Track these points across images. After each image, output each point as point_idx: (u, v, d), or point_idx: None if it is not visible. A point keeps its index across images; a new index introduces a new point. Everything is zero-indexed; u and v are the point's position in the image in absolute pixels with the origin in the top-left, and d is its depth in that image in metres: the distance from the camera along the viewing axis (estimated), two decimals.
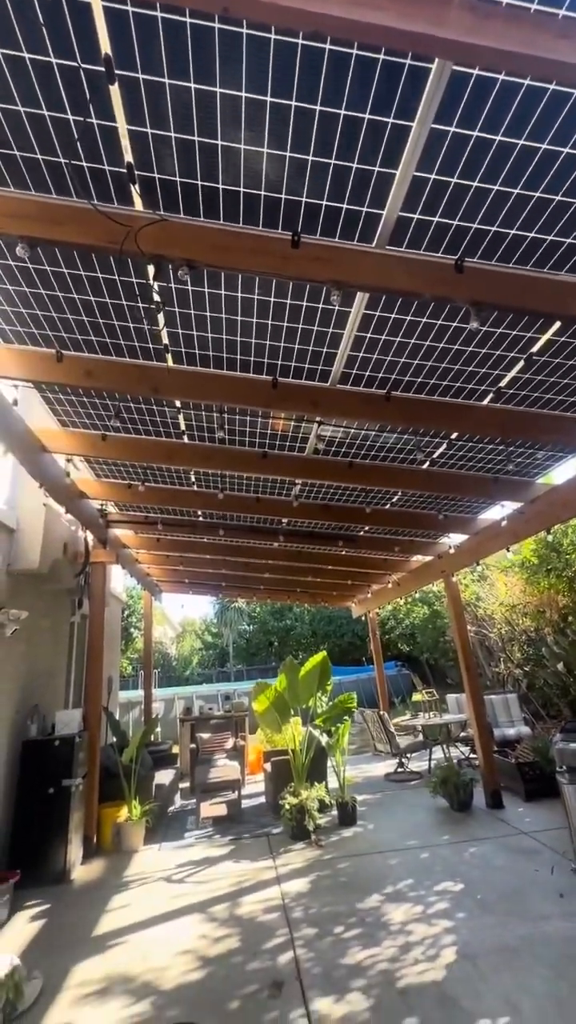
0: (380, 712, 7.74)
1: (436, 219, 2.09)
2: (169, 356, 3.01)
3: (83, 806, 4.97)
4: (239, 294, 2.51)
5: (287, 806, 5.07)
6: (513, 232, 2.14)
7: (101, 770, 5.47)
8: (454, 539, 6.28)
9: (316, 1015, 2.49)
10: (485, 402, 3.37)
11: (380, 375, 3.12)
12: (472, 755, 7.25)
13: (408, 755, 7.58)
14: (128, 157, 1.90)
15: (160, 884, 4.27)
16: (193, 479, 4.92)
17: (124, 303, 2.60)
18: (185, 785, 7.63)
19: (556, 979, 2.60)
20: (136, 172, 1.94)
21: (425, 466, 4.42)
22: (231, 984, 2.80)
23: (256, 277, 2.37)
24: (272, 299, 2.54)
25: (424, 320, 2.67)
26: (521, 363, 2.99)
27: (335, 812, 5.53)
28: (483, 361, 2.98)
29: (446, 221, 2.09)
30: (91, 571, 5.84)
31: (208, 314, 2.65)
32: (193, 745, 7.55)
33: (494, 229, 2.13)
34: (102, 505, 5.52)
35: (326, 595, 10.19)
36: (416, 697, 14.13)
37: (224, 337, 2.82)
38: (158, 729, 10.31)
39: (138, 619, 19.33)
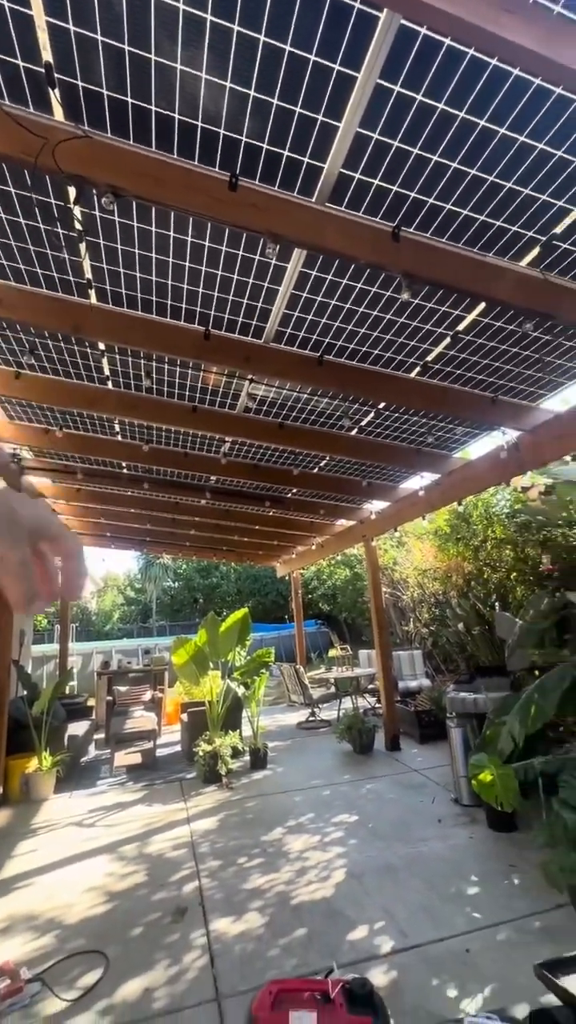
0: (296, 666, 8.13)
1: (376, 181, 2.07)
2: (93, 293, 2.79)
3: None
4: (171, 233, 2.36)
5: (201, 753, 5.27)
6: (448, 207, 2.17)
7: (10, 721, 5.33)
8: (376, 506, 6.56)
9: (215, 934, 2.71)
10: (412, 374, 3.49)
11: (314, 337, 3.11)
12: (377, 705, 7.88)
13: (320, 705, 8.08)
14: (47, 56, 1.68)
15: (70, 829, 4.32)
16: (117, 429, 4.69)
17: (41, 226, 2.35)
18: (100, 736, 7.65)
19: (427, 890, 3.00)
20: (56, 75, 1.73)
21: (353, 433, 4.53)
22: (135, 914, 2.95)
23: (190, 217, 2.24)
24: (207, 243, 2.42)
25: (359, 286, 2.67)
26: (448, 339, 3.10)
27: (247, 758, 5.83)
28: (413, 334, 3.05)
29: (386, 185, 2.08)
30: None
31: (137, 251, 2.48)
32: (109, 698, 7.54)
33: (431, 200, 2.15)
34: (15, 449, 5.14)
35: (252, 554, 10.33)
36: (332, 653, 14.99)
37: (154, 279, 2.66)
38: (73, 682, 10.16)
39: None
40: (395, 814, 4.16)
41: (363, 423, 4.36)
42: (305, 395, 3.89)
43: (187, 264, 2.54)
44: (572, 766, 2.90)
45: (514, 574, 6.37)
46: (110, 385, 3.84)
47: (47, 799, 5.10)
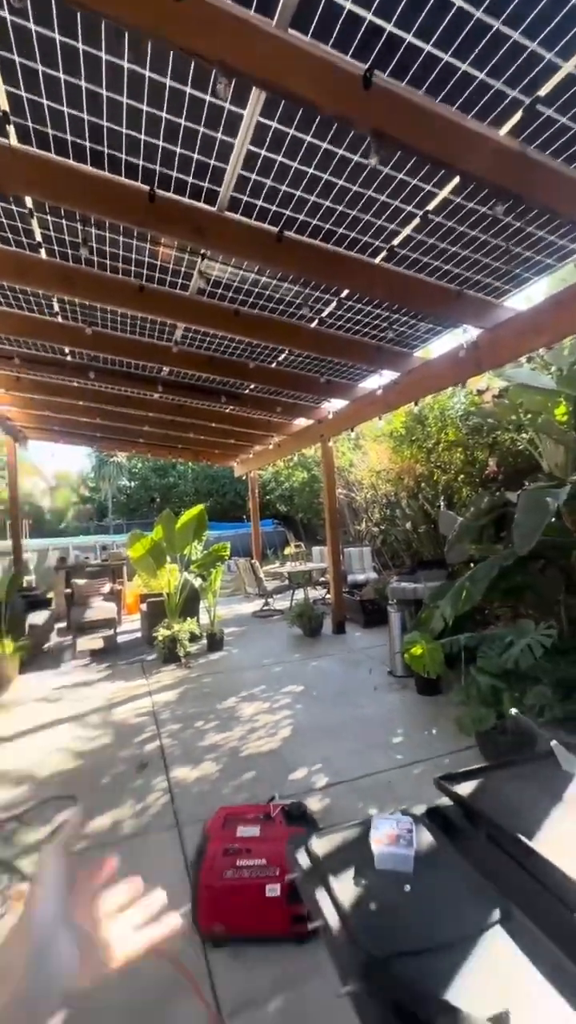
0: (252, 561, 8.49)
1: (348, 5, 1.76)
2: (11, 130, 2.35)
3: None
4: (103, 55, 1.97)
5: (160, 637, 5.61)
6: (428, 48, 1.90)
7: None
8: (334, 405, 6.49)
9: (175, 780, 3.10)
10: (378, 260, 3.27)
11: (273, 208, 2.81)
12: (327, 595, 8.48)
13: (273, 596, 8.60)
14: None
15: (36, 704, 4.63)
16: (56, 308, 4.25)
17: None
18: (62, 625, 7.93)
19: (357, 740, 3.49)
20: None
21: (313, 324, 4.32)
22: (103, 768, 3.31)
23: (126, 33, 1.86)
24: (147, 73, 2.04)
25: (325, 145, 2.38)
26: (416, 220, 2.89)
27: (204, 642, 6.27)
28: (380, 211, 2.82)
29: (358, 11, 1.77)
30: None
31: (63, 76, 2.06)
32: (69, 590, 7.71)
33: (409, 38, 1.86)
34: None
35: (208, 453, 10.20)
36: (287, 551, 15.67)
37: (86, 117, 2.26)
38: (31, 577, 10.24)
39: (0, 465, 17.67)
40: (337, 685, 4.69)
41: (324, 314, 4.15)
42: (263, 278, 3.62)
43: (125, 100, 2.16)
44: (490, 641, 3.31)
45: (461, 476, 6.65)
46: (43, 253, 3.41)
47: (12, 680, 5.38)
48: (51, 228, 3.13)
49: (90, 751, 3.58)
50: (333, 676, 4.95)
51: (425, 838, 1.07)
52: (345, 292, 3.79)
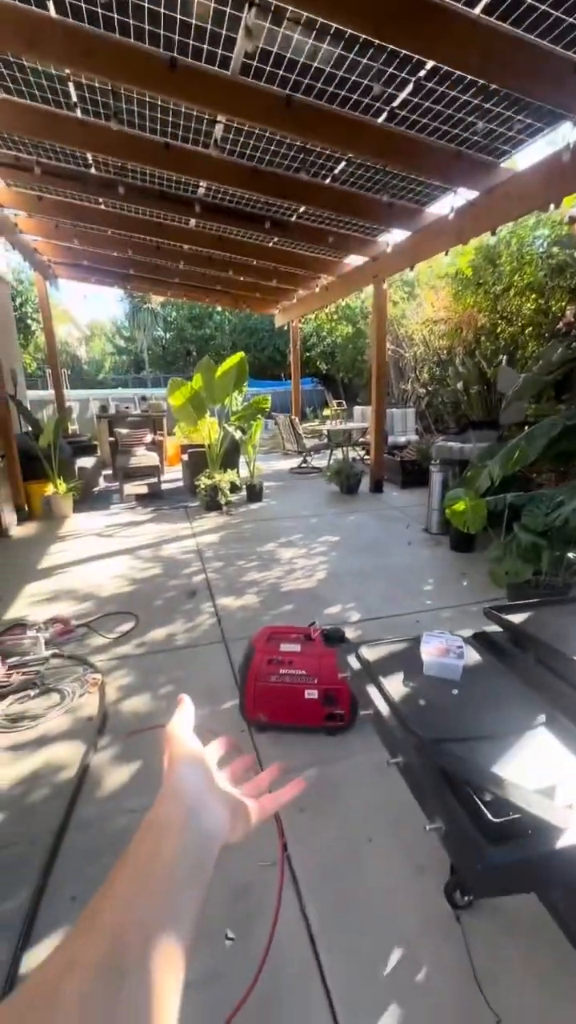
0: (292, 416, 8.31)
1: None
2: None
3: (8, 481, 5.29)
4: None
5: (202, 485, 5.79)
6: None
7: (21, 453, 5.66)
8: (394, 236, 5.64)
9: (221, 606, 3.41)
10: (477, 9, 2.49)
11: None
12: (366, 457, 8.39)
13: (312, 454, 8.59)
14: None
15: (92, 538, 5.04)
16: (75, 98, 3.58)
17: None
18: (108, 472, 8.29)
19: (389, 585, 3.69)
20: None
21: (382, 118, 3.52)
22: (156, 593, 3.66)
23: None
24: None
25: None
26: None
27: (244, 493, 6.46)
28: None
29: None
30: None
31: None
32: (112, 439, 7.88)
33: None
34: None
35: (248, 298, 9.38)
36: (327, 412, 15.26)
37: None
38: (75, 427, 10.47)
39: (34, 309, 17.07)
40: (371, 537, 4.84)
41: (396, 102, 3.34)
42: (324, 47, 2.85)
43: None
44: (538, 500, 3.22)
45: (529, 329, 5.95)
46: (52, 9, 2.75)
47: (68, 517, 5.80)
48: None
49: (143, 579, 3.94)
50: (368, 529, 5.09)
51: (472, 655, 1.11)
52: (427, 68, 2.98)
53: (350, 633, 2.94)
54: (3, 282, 8.17)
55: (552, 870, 0.65)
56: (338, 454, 8.08)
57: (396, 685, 1.00)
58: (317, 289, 8.03)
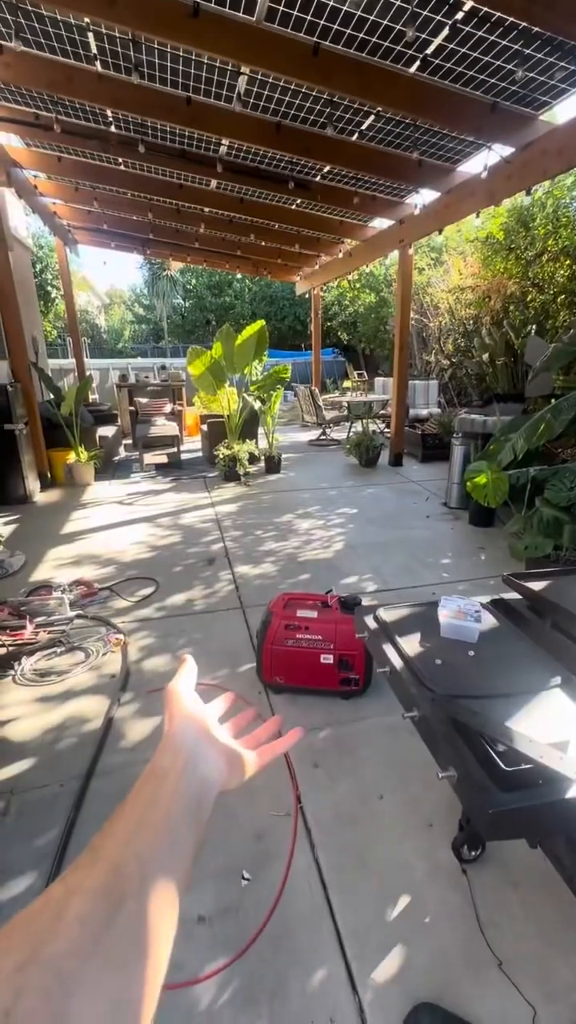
0: (311, 387, 8.21)
1: None
2: None
3: (31, 449, 5.38)
4: None
5: (221, 456, 5.80)
6: None
7: (43, 420, 5.73)
8: (423, 197, 5.41)
9: (239, 573, 3.47)
10: None
11: None
12: (386, 430, 8.28)
13: (331, 426, 8.50)
14: None
15: (113, 506, 5.13)
16: (94, 48, 3.46)
17: None
18: (128, 441, 8.36)
19: (407, 557, 3.69)
20: None
21: (414, 68, 3.33)
22: (175, 559, 3.74)
23: None
24: None
25: None
26: None
27: (263, 464, 6.46)
28: None
29: None
30: None
31: None
32: (132, 408, 7.91)
33: None
34: None
35: (270, 264, 9.16)
36: (347, 383, 15.00)
37: None
38: (96, 396, 10.52)
39: (54, 277, 16.98)
40: (389, 509, 4.83)
41: (430, 50, 3.15)
42: None
43: None
44: (562, 475, 3.16)
45: (561, 297, 5.71)
46: None
47: (89, 484, 5.90)
48: None
49: (163, 546, 4.02)
50: (387, 502, 5.07)
51: (489, 619, 1.12)
52: (466, 9, 2.80)
53: (366, 603, 2.97)
54: (24, 247, 8.10)
55: (560, 817, 0.68)
56: (358, 426, 7.99)
57: (413, 645, 1.02)
58: (340, 255, 7.80)
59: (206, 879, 1.46)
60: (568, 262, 5.44)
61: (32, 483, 5.27)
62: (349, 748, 1.95)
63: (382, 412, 8.87)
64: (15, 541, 4.08)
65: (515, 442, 3.57)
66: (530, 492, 3.38)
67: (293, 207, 6.24)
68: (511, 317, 6.72)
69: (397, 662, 0.97)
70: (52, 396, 6.39)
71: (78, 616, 2.89)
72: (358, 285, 15.54)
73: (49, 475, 5.81)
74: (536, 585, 1.20)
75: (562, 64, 3.16)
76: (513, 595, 1.28)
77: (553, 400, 4.48)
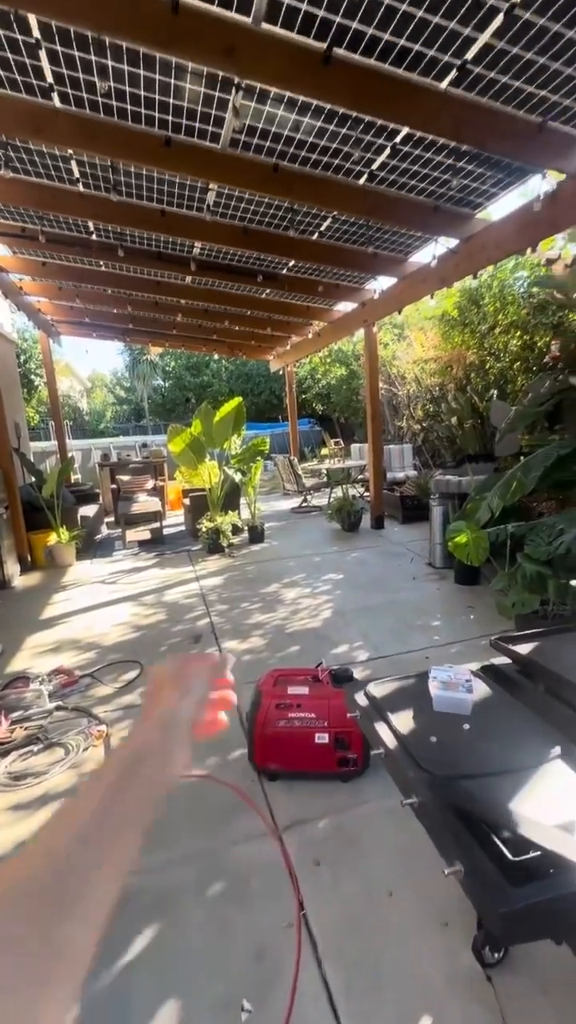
0: (290, 457, 8.44)
1: None
2: None
3: (11, 532, 5.33)
4: None
5: (204, 528, 5.81)
6: None
7: (24, 504, 5.72)
8: (381, 283, 5.92)
9: (226, 650, 3.36)
10: (444, 84, 2.72)
11: (320, 13, 2.30)
12: (366, 493, 8.45)
13: (312, 492, 8.66)
14: None
15: (95, 586, 5.02)
16: (76, 173, 3.86)
17: None
18: (110, 519, 8.35)
19: (396, 622, 3.64)
20: None
21: (362, 181, 3.78)
22: (160, 639, 3.62)
23: None
24: None
25: None
26: (499, 19, 2.32)
27: (246, 534, 6.47)
28: (453, 7, 2.27)
29: None
30: None
31: None
32: (114, 486, 7.99)
33: None
34: None
35: (244, 345, 9.74)
36: (324, 451, 15.49)
37: None
38: (77, 475, 10.63)
39: (37, 366, 17.68)
40: (375, 573, 4.82)
41: (375, 165, 3.59)
42: (306, 120, 3.10)
43: None
44: (539, 529, 3.23)
45: (517, 364, 6.14)
46: (57, 100, 3.01)
47: (71, 565, 5.80)
48: (63, 63, 2.71)
49: (147, 625, 3.90)
50: (372, 566, 5.07)
51: (481, 688, 1.09)
52: (402, 135, 3.23)
53: (358, 673, 2.87)
54: (8, 341, 8.50)
55: None
56: (338, 492, 8.15)
57: (406, 722, 0.98)
58: (310, 335, 8.35)
59: (203, 1012, 1.28)
60: (519, 333, 5.92)
61: (11, 567, 5.17)
62: (352, 838, 1.81)
63: (360, 477, 9.11)
64: None
65: (490, 500, 3.67)
66: (511, 548, 3.43)
67: (263, 296, 6.74)
68: (473, 383, 7.16)
69: (391, 742, 0.94)
70: (34, 479, 6.43)
71: (58, 708, 2.73)
72: (329, 360, 16.50)
73: (29, 558, 5.71)
74: (524, 648, 1.19)
75: (490, 174, 3.62)
76: (503, 659, 1.26)
77: (522, 458, 4.69)
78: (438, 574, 4.67)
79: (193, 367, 25.84)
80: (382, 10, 2.29)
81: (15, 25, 2.49)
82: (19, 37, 2.57)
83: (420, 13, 2.31)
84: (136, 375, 27.16)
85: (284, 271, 5.83)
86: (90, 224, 4.72)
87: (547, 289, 4.86)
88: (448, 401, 8.22)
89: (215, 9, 2.30)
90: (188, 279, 6.12)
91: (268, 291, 6.47)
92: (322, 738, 2.01)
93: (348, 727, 2.00)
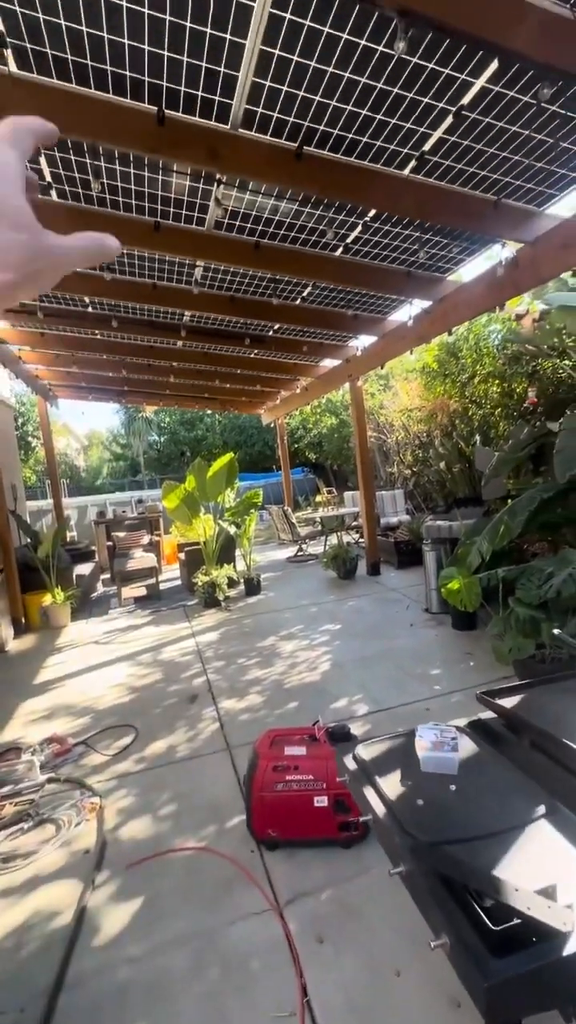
0: (284, 507, 8.54)
1: None
2: (9, 55, 2.21)
3: (6, 595, 5.31)
4: None
5: (200, 583, 5.80)
6: None
7: (20, 565, 5.73)
8: (362, 341, 6.23)
9: (223, 710, 3.29)
10: (406, 171, 3.01)
11: (291, 119, 2.59)
12: (360, 540, 8.50)
13: (307, 541, 8.70)
14: None
15: (90, 647, 4.95)
16: None
17: None
18: (106, 576, 8.31)
19: (395, 671, 3.60)
20: None
21: (338, 253, 4.08)
22: (156, 700, 3.55)
23: None
24: None
25: (344, 36, 2.14)
26: (449, 119, 2.61)
27: (242, 587, 6.46)
28: (409, 112, 2.56)
29: None
30: None
31: None
32: (110, 543, 8.01)
33: None
34: None
35: (236, 401, 10.08)
36: (319, 499, 15.67)
37: (85, 30, 2.09)
38: (74, 533, 10.66)
39: (35, 428, 18.11)
40: (373, 621, 4.79)
41: (348, 240, 3.89)
42: (283, 204, 3.40)
43: (125, 4, 1.98)
44: (530, 573, 3.27)
45: (498, 410, 6.38)
46: (55, 196, 3.29)
47: (65, 626, 5.74)
48: (60, 165, 3.00)
49: (143, 686, 3.83)
50: (369, 614, 5.05)
51: (468, 745, 1.10)
52: (372, 213, 3.53)
53: (358, 728, 2.83)
54: (7, 407, 8.77)
55: (565, 980, 0.62)
56: (333, 540, 8.20)
57: (393, 784, 0.99)
58: (298, 390, 8.67)
59: None
60: (497, 382, 6.19)
61: (5, 631, 5.11)
62: (355, 910, 1.73)
63: (355, 524, 9.19)
64: None
65: (480, 545, 3.72)
66: (503, 593, 3.45)
67: (251, 356, 7.06)
68: (458, 429, 7.39)
69: (379, 807, 0.94)
70: (29, 540, 6.47)
71: (50, 780, 2.65)
72: (319, 410, 17.02)
73: (24, 620, 5.66)
74: (510, 701, 1.20)
75: (455, 243, 3.93)
76: (491, 713, 1.27)
77: (509, 501, 4.79)
78: (436, 620, 4.65)
79: (187, 422, 26.50)
80: (345, 115, 2.58)
81: None
82: None
83: (379, 116, 2.59)
84: (132, 432, 27.79)
85: (270, 333, 6.15)
86: (86, 299, 5.02)
87: (518, 343, 5.14)
88: (436, 447, 8.45)
89: (197, 120, 2.58)
90: (180, 343, 6.42)
91: (256, 351, 6.78)
92: (321, 801, 1.95)
93: (347, 788, 1.96)
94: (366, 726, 2.91)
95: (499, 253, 3.80)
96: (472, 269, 4.42)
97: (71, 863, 2.08)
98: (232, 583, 6.19)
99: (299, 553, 8.64)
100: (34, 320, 5.43)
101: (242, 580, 6.42)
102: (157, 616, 5.85)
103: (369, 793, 0.98)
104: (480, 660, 3.67)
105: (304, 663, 3.94)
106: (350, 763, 1.10)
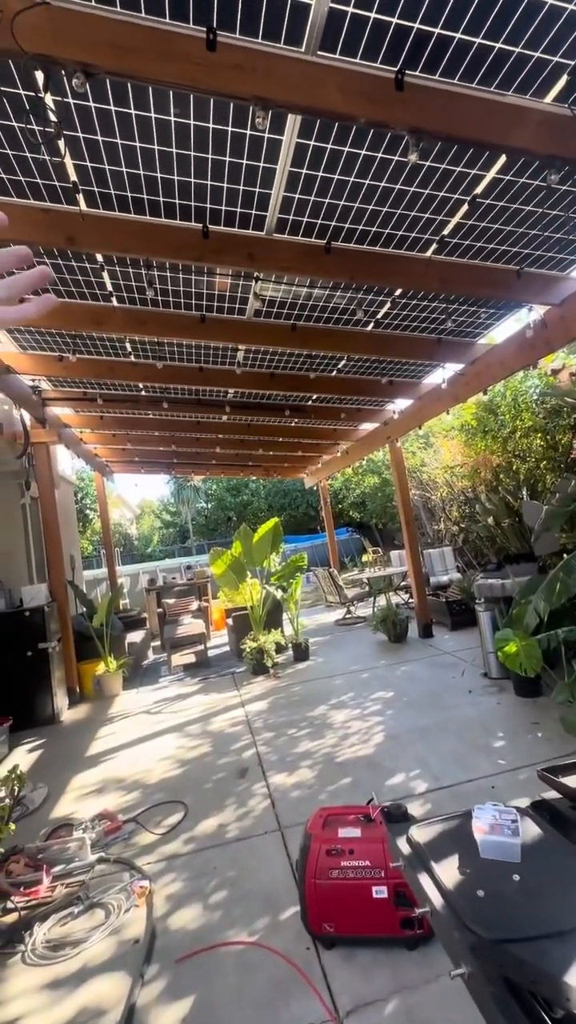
0: (330, 569, 8.50)
1: (374, 14, 1.80)
2: (81, 198, 2.64)
3: (63, 664, 5.47)
4: (152, 114, 2.17)
5: (248, 649, 5.77)
6: (459, 36, 1.89)
7: (75, 634, 5.93)
8: (399, 405, 6.40)
9: (273, 785, 3.17)
10: (428, 253, 3.24)
11: (319, 222, 2.90)
12: (410, 600, 8.26)
13: (355, 603, 8.54)
14: None
15: (141, 716, 4.95)
16: (129, 349, 4.63)
17: (14, 124, 2.20)
18: (156, 643, 8.41)
19: (456, 743, 3.37)
20: None
21: (369, 328, 4.33)
22: (205, 774, 3.46)
23: (169, 91, 2.04)
24: (192, 122, 2.22)
25: (363, 152, 2.43)
26: (465, 207, 2.83)
27: (290, 652, 6.35)
28: (427, 204, 2.80)
29: (384, 18, 1.82)
30: (34, 452, 5.68)
31: (119, 141, 2.30)
32: (160, 609, 8.18)
33: (438, 31, 1.87)
34: (34, 381, 5.18)
35: (278, 467, 10.41)
36: (365, 558, 15.49)
37: (142, 173, 2.48)
38: (126, 600, 10.98)
39: (92, 501, 19.27)
40: (428, 688, 4.56)
41: (379, 316, 4.14)
42: (316, 290, 3.70)
43: (174, 150, 2.36)
44: None
45: (544, 463, 6.26)
46: (115, 302, 3.74)
47: (117, 695, 5.79)
48: (119, 277, 3.44)
49: (192, 759, 3.76)
50: (424, 680, 4.81)
51: (532, 829, 1.03)
52: (399, 291, 3.77)
53: (417, 808, 2.65)
54: (68, 483, 9.46)
55: None
56: (381, 601, 8.01)
57: (451, 873, 0.93)
58: (339, 453, 8.89)
59: None
60: (539, 435, 6.13)
61: (60, 700, 5.22)
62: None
63: (404, 583, 8.97)
64: (39, 769, 3.88)
65: (536, 604, 3.55)
66: (566, 655, 3.23)
67: (292, 424, 7.38)
68: (504, 483, 7.27)
69: (436, 898, 0.88)
70: (84, 609, 6.72)
71: (100, 860, 2.60)
72: (361, 471, 17.23)
73: (78, 689, 5.76)
74: (575, 780, 1.13)
75: (483, 310, 4.09)
76: (555, 793, 1.18)
77: (565, 555, 4.58)
78: (496, 685, 4.36)
79: (233, 488, 27.41)
80: (368, 213, 2.85)
81: (85, 257, 3.22)
82: (88, 265, 3.31)
83: (399, 211, 2.85)
84: (181, 500, 28.98)
85: (309, 403, 6.45)
86: (140, 384, 5.50)
87: (557, 396, 5.13)
88: (482, 502, 8.29)
89: (237, 231, 2.93)
90: (224, 417, 6.83)
91: (296, 420, 7.09)
92: (380, 891, 1.81)
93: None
94: (426, 805, 2.71)
95: (527, 316, 3.92)
96: (503, 331, 4.55)
97: (120, 953, 2.00)
98: (280, 648, 6.11)
99: (347, 616, 8.46)
100: (94, 405, 5.98)
101: (290, 645, 6.33)
102: (206, 684, 5.81)
103: (425, 881, 0.93)
104: (549, 730, 3.38)
105: (356, 734, 3.76)
106: (404, 846, 1.05)
